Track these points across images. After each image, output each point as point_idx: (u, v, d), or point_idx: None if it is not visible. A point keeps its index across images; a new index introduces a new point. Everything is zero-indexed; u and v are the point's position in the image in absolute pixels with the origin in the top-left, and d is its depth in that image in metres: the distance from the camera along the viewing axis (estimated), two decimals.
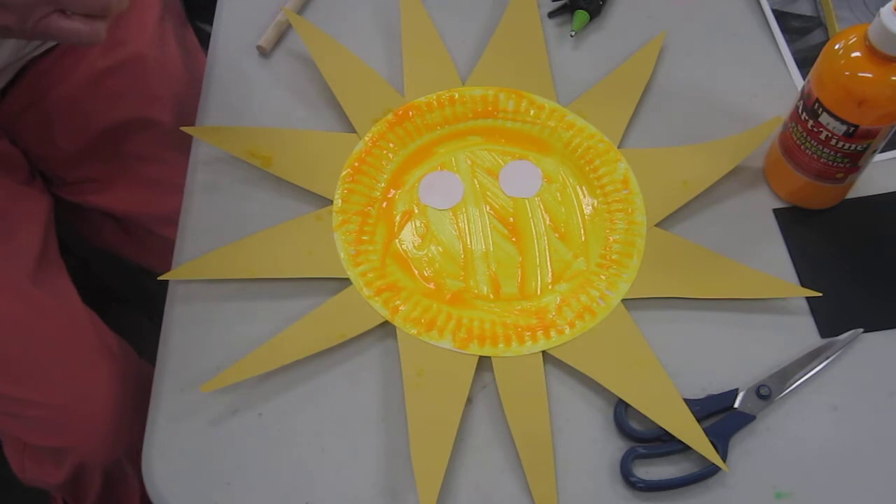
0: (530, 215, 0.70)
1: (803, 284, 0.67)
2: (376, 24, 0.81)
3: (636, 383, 0.61)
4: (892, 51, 0.57)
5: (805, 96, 0.64)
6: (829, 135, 0.63)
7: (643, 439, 0.60)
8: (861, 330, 0.64)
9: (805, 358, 0.63)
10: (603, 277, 0.67)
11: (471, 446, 0.60)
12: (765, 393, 0.61)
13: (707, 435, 0.59)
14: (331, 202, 0.70)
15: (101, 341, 0.81)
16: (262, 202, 0.70)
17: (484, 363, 0.63)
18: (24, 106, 0.83)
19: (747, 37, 0.81)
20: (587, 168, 0.72)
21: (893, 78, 0.59)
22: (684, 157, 0.72)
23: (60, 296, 0.81)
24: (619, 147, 0.73)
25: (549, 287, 0.66)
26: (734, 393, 0.61)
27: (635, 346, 0.63)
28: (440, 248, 0.68)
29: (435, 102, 0.75)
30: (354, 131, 0.73)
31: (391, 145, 0.73)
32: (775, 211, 0.71)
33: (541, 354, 0.63)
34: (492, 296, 0.66)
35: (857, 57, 0.59)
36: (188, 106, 0.75)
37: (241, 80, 0.78)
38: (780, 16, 0.82)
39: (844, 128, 0.62)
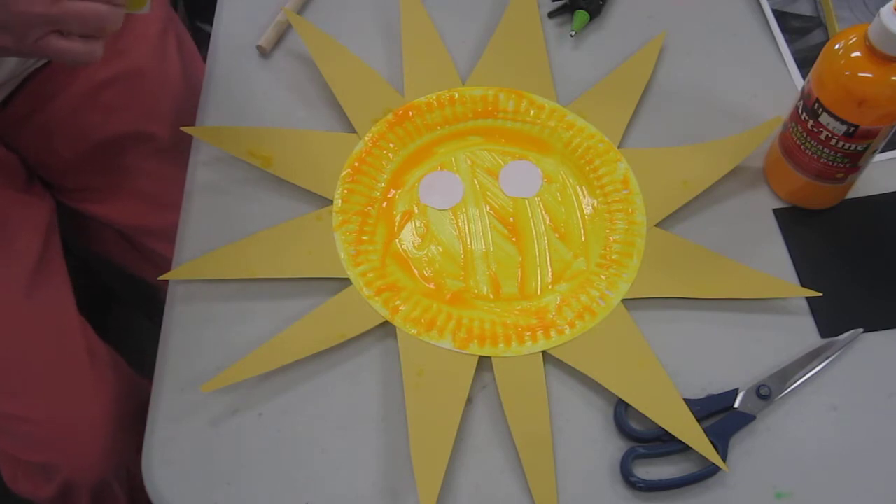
0: (530, 215, 0.70)
1: (803, 284, 0.67)
2: (376, 24, 0.81)
3: (636, 383, 0.61)
4: (892, 51, 0.57)
5: (805, 96, 0.64)
6: (829, 135, 0.63)
7: (643, 439, 0.60)
8: (861, 330, 0.64)
9: (805, 358, 0.63)
10: (603, 277, 0.67)
11: (471, 446, 0.60)
12: (765, 393, 0.61)
13: (707, 435, 0.59)
14: (331, 202, 0.70)
15: (93, 358, 0.80)
16: (262, 202, 0.70)
17: (484, 363, 0.63)
18: (24, 115, 0.82)
19: (747, 37, 0.81)
20: (587, 168, 0.72)
21: (893, 78, 0.59)
22: (684, 157, 0.72)
23: (55, 308, 0.80)
24: (619, 147, 0.73)
25: (549, 287, 0.66)
26: (734, 393, 0.61)
27: (635, 346, 0.63)
28: (440, 248, 0.68)
29: (435, 102, 0.75)
30: (354, 131, 0.73)
31: (391, 145, 0.73)
32: (775, 211, 0.71)
33: (541, 354, 0.63)
34: (492, 296, 0.66)
35: (857, 57, 0.59)
36: (186, 121, 0.75)
37: (241, 80, 0.78)
38: (780, 16, 0.82)
39: (844, 128, 0.62)
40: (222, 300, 0.66)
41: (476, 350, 0.63)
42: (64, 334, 0.79)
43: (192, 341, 0.65)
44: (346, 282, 0.66)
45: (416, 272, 0.67)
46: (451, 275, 0.67)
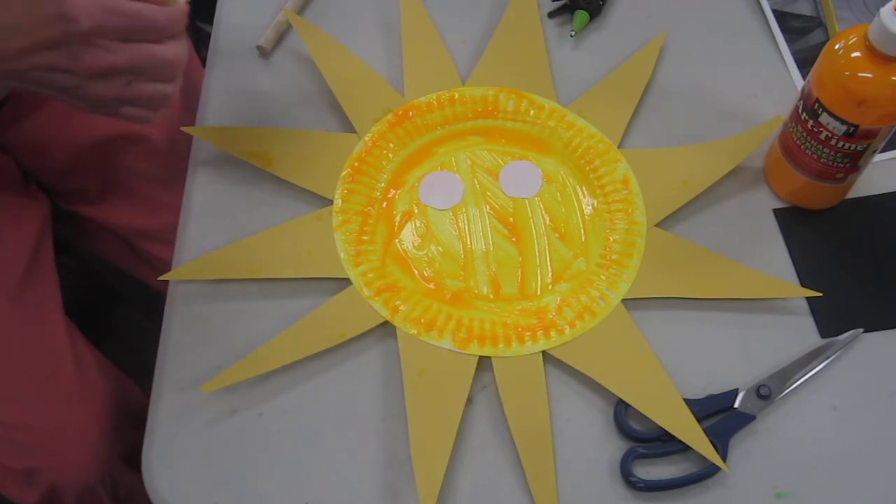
0: (530, 215, 0.70)
1: (803, 284, 0.67)
2: (376, 24, 0.81)
3: (636, 383, 0.61)
4: (892, 51, 0.57)
5: (805, 96, 0.64)
6: (829, 135, 0.63)
7: (643, 439, 0.60)
8: (861, 330, 0.64)
9: (805, 358, 0.63)
10: (603, 277, 0.67)
11: (471, 446, 0.60)
12: (765, 393, 0.61)
13: (707, 435, 0.59)
14: (331, 202, 0.70)
15: (78, 364, 0.79)
16: (262, 202, 0.70)
17: (484, 363, 0.63)
18: (17, 117, 0.82)
19: (747, 37, 0.81)
20: (587, 168, 0.72)
21: (893, 78, 0.59)
22: (684, 157, 0.72)
23: (42, 313, 0.79)
24: (619, 147, 0.73)
25: (549, 287, 0.66)
26: (734, 393, 0.61)
27: (635, 346, 0.63)
28: (440, 248, 0.68)
29: (435, 102, 0.75)
30: (354, 131, 0.73)
31: (391, 145, 0.73)
32: (775, 211, 0.71)
33: (541, 354, 0.63)
34: (492, 296, 0.66)
35: (857, 57, 0.59)
36: (182, 121, 0.75)
37: (241, 80, 0.78)
38: (780, 16, 0.82)
39: (844, 128, 0.62)
40: (222, 300, 0.66)
41: (476, 350, 0.63)
42: (49, 339, 0.78)
43: (192, 341, 0.65)
44: (346, 282, 0.66)
45: (416, 272, 0.67)
46: (451, 275, 0.67)
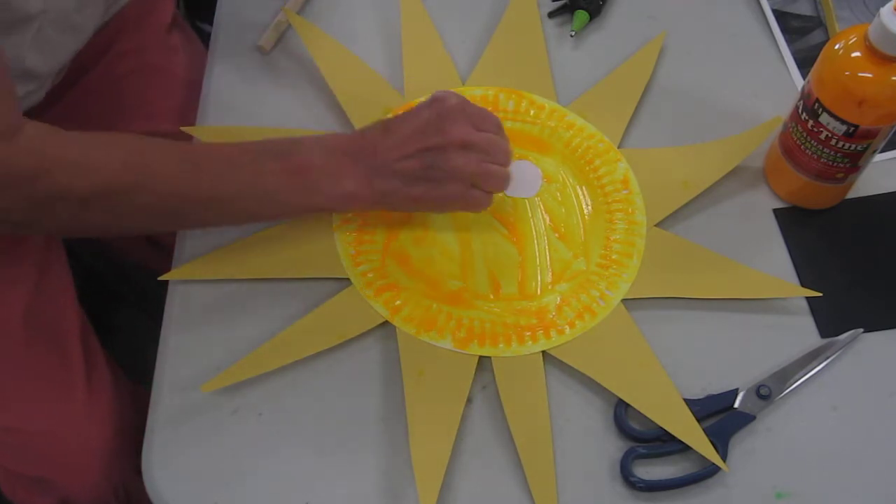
0: (530, 215, 0.70)
1: (803, 284, 0.67)
2: (376, 24, 0.81)
3: (636, 383, 0.61)
4: (892, 51, 0.57)
5: (805, 96, 0.64)
6: (829, 135, 0.63)
7: (643, 439, 0.60)
8: (861, 330, 0.64)
9: (805, 358, 0.63)
10: (603, 277, 0.67)
11: (471, 446, 0.60)
12: (765, 393, 0.61)
13: (707, 435, 0.59)
14: None
15: (91, 374, 0.78)
16: None
17: (484, 363, 0.63)
18: (28, 113, 0.82)
19: (747, 37, 0.81)
20: (587, 168, 0.72)
21: (893, 78, 0.59)
22: (684, 157, 0.72)
23: (56, 319, 0.79)
24: (619, 147, 0.73)
25: (549, 287, 0.66)
26: (734, 393, 0.61)
27: (635, 346, 0.63)
28: (440, 248, 0.68)
29: None
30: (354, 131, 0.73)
31: None
32: (775, 211, 0.71)
33: (541, 354, 0.63)
34: (491, 296, 0.66)
35: (857, 57, 0.59)
36: (191, 119, 0.75)
37: (241, 80, 0.78)
38: (780, 16, 0.82)
39: (844, 128, 0.62)
40: (222, 300, 0.66)
41: (476, 350, 0.63)
42: (63, 347, 0.78)
43: (192, 341, 0.65)
44: (346, 282, 0.66)
45: (416, 272, 0.67)
46: (451, 275, 0.67)
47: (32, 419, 0.77)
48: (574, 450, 0.60)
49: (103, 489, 0.81)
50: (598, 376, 0.62)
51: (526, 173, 0.71)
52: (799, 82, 0.78)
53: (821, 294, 0.65)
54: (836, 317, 0.65)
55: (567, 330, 0.64)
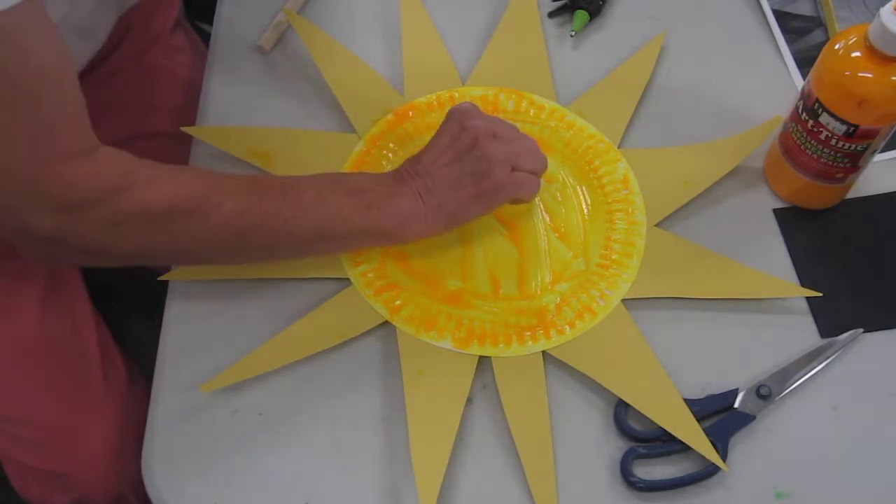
0: (530, 215, 0.70)
1: (803, 284, 0.67)
2: (376, 24, 0.81)
3: (636, 383, 0.61)
4: (892, 51, 0.57)
5: (805, 96, 0.64)
6: (829, 135, 0.63)
7: (643, 439, 0.60)
8: (861, 330, 0.64)
9: (805, 358, 0.63)
10: (603, 277, 0.67)
11: (471, 446, 0.60)
12: (765, 393, 0.61)
13: (707, 435, 0.59)
14: None
15: (107, 368, 0.79)
16: None
17: (484, 363, 0.63)
18: None
19: (747, 37, 0.81)
20: (587, 168, 0.72)
21: (893, 78, 0.59)
22: (684, 157, 0.72)
23: (70, 315, 0.79)
24: (619, 147, 0.73)
25: (549, 287, 0.66)
26: (734, 393, 0.61)
27: (635, 346, 0.63)
28: (440, 249, 0.68)
29: (435, 102, 0.75)
30: (354, 131, 0.73)
31: (391, 145, 0.72)
32: (775, 211, 0.71)
33: (541, 354, 0.63)
34: (492, 296, 0.66)
35: (857, 57, 0.59)
36: (191, 119, 0.75)
37: (241, 80, 0.78)
38: (780, 16, 0.82)
39: (844, 128, 0.62)
40: (222, 300, 0.66)
41: (476, 350, 0.63)
42: (78, 343, 0.78)
43: (192, 341, 0.65)
44: (346, 282, 0.66)
45: (416, 272, 0.67)
46: (451, 275, 0.67)
47: (49, 412, 0.77)
48: (574, 450, 0.60)
49: (120, 486, 0.81)
50: (598, 376, 0.62)
51: None
52: (799, 82, 0.78)
53: (821, 294, 0.65)
54: (836, 317, 0.65)
55: (567, 330, 0.64)
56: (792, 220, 0.70)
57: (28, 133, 0.50)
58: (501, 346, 0.63)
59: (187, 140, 0.74)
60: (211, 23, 0.83)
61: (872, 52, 0.58)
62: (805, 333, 0.65)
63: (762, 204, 0.71)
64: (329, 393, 0.62)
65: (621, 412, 0.61)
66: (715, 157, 0.71)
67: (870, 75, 0.59)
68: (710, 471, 0.58)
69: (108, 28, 0.76)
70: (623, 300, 0.65)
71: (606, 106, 0.75)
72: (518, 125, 0.73)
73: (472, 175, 0.63)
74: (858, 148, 0.63)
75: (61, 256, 0.56)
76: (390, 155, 0.72)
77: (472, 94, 0.75)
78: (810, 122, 0.64)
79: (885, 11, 0.56)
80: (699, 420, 0.60)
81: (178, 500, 0.59)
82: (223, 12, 0.83)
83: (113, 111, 0.86)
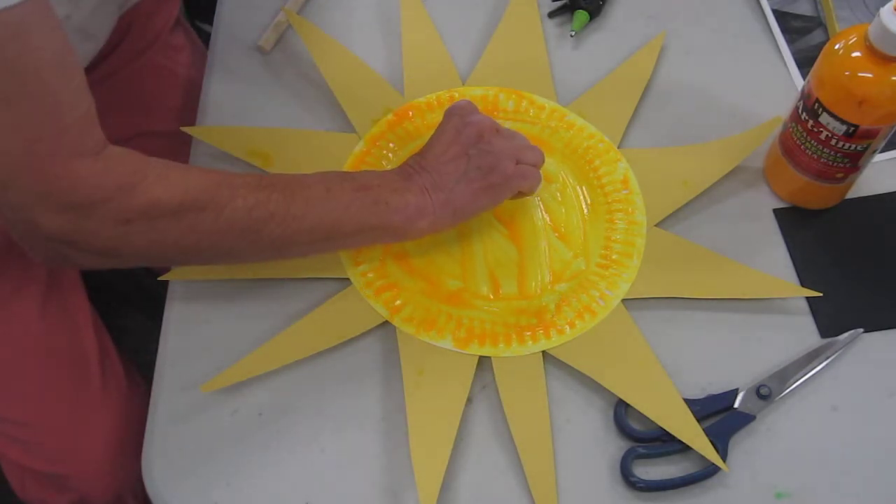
0: (530, 215, 0.70)
1: (803, 284, 0.67)
2: (376, 24, 0.81)
3: (636, 383, 0.61)
4: (892, 51, 0.57)
5: (805, 96, 0.64)
6: (829, 135, 0.63)
7: (643, 439, 0.60)
8: (861, 330, 0.64)
9: (805, 358, 0.63)
10: (603, 277, 0.67)
11: (471, 446, 0.60)
12: (765, 393, 0.61)
13: (707, 435, 0.59)
14: None
15: (105, 369, 0.79)
16: None
17: (484, 363, 0.63)
18: None
19: (747, 37, 0.81)
20: (587, 168, 0.72)
21: (893, 78, 0.59)
22: (684, 157, 0.72)
23: (69, 316, 0.79)
24: (619, 147, 0.73)
25: (549, 287, 0.66)
26: (734, 393, 0.61)
27: (635, 346, 0.63)
28: (440, 248, 0.68)
29: (435, 102, 0.75)
30: (354, 131, 0.73)
31: (391, 145, 0.73)
32: (775, 211, 0.71)
33: (541, 354, 0.63)
34: (491, 296, 0.66)
35: (857, 57, 0.59)
36: (191, 119, 0.75)
37: (241, 80, 0.78)
38: (780, 16, 0.82)
39: (844, 128, 0.62)
40: (222, 300, 0.66)
41: (476, 350, 0.63)
42: (77, 344, 0.78)
43: (192, 341, 0.65)
44: (346, 282, 0.66)
45: (416, 272, 0.67)
46: (451, 275, 0.67)
47: (47, 414, 0.77)
48: (574, 450, 0.60)
49: (118, 487, 0.81)
50: (598, 376, 0.62)
51: None
52: (799, 82, 0.78)
53: (821, 294, 0.65)
54: (836, 317, 0.65)
55: (567, 330, 0.64)
56: (792, 220, 0.70)
57: (36, 130, 0.50)
58: (501, 346, 0.63)
59: (187, 140, 0.74)
60: (211, 23, 0.83)
61: (872, 52, 0.58)
62: (805, 333, 0.65)
63: (762, 204, 0.71)
64: (329, 393, 0.62)
65: (621, 412, 0.61)
66: (715, 157, 0.71)
67: (870, 75, 0.59)
68: (710, 471, 0.58)
69: (109, 28, 0.76)
70: (623, 300, 0.65)
71: (606, 106, 0.75)
72: (518, 125, 0.74)
73: (480, 169, 0.63)
74: (858, 148, 0.63)
75: (71, 258, 0.56)
76: (390, 155, 0.72)
77: (472, 94, 0.75)
78: (810, 122, 0.64)
79: (885, 11, 0.56)
80: (699, 420, 0.60)
81: (178, 500, 0.59)
82: (223, 12, 0.83)
83: (113, 111, 0.86)
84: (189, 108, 0.78)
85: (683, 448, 0.59)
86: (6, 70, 0.48)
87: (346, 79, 0.75)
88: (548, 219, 0.70)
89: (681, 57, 0.79)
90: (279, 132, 0.73)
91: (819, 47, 0.66)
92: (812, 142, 0.65)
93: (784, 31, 0.81)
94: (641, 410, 0.60)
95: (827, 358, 0.63)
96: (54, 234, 0.53)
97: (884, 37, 0.57)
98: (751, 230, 0.70)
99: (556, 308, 0.65)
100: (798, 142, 0.66)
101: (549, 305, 0.65)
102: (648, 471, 0.59)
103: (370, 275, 0.66)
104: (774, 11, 0.82)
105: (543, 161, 0.67)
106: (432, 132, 0.73)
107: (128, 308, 1.13)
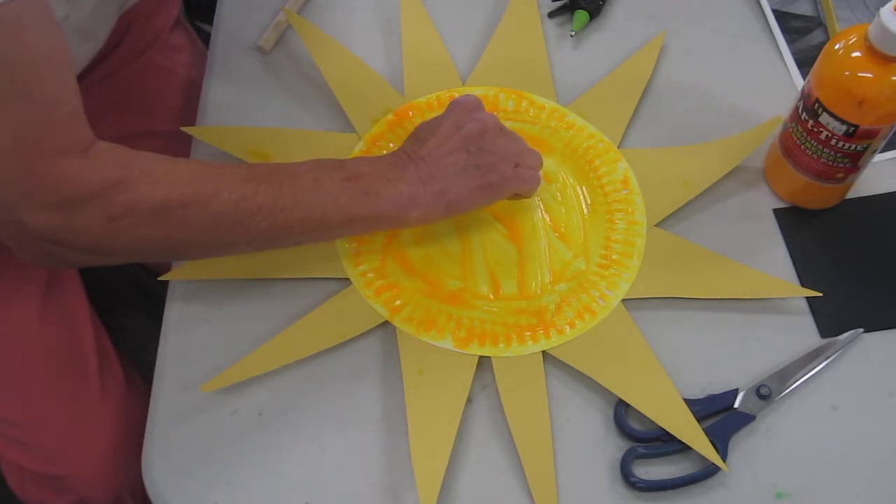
0: (530, 215, 0.70)
1: (803, 284, 0.67)
2: (376, 24, 0.81)
3: (636, 383, 0.61)
4: (892, 51, 0.57)
5: (805, 96, 0.64)
6: (829, 135, 0.63)
7: (643, 439, 0.60)
8: (861, 330, 0.64)
9: (805, 358, 0.63)
10: (603, 277, 0.67)
11: (471, 446, 0.60)
12: (765, 393, 0.61)
13: (707, 435, 0.59)
14: None
15: (104, 371, 0.79)
16: None
17: (484, 363, 0.63)
18: None
19: (747, 37, 0.81)
20: (587, 168, 0.72)
21: (893, 78, 0.59)
22: (684, 157, 0.72)
23: (68, 318, 0.79)
24: (619, 147, 0.73)
25: (549, 287, 0.66)
26: (734, 393, 0.61)
27: (635, 346, 0.63)
28: (440, 248, 0.68)
29: (435, 102, 0.75)
30: (354, 131, 0.73)
31: (391, 145, 0.72)
32: (775, 211, 0.71)
33: (541, 354, 0.63)
34: (491, 296, 0.66)
35: (857, 57, 0.59)
36: (191, 119, 0.75)
37: (241, 80, 0.78)
38: (780, 16, 0.82)
39: (844, 128, 0.62)
40: (222, 300, 0.66)
41: (476, 350, 0.63)
42: (76, 346, 0.78)
43: (192, 341, 0.65)
44: (346, 282, 0.66)
45: (416, 272, 0.67)
46: (451, 275, 0.67)
47: (46, 415, 0.77)
48: (574, 450, 0.60)
49: (118, 488, 0.81)
50: (598, 376, 0.62)
51: None
52: (799, 82, 0.78)
53: (821, 294, 0.65)
54: (836, 317, 0.65)
55: (567, 330, 0.64)
56: (792, 220, 0.70)
57: (24, 128, 0.50)
58: (501, 346, 0.63)
59: (187, 140, 0.74)
60: (211, 23, 0.83)
61: (872, 52, 0.58)
62: (805, 333, 0.65)
63: (762, 204, 0.71)
64: (329, 393, 0.62)
65: (621, 412, 0.61)
66: (715, 157, 0.71)
67: (870, 75, 0.59)
68: (710, 471, 0.58)
69: (109, 28, 0.76)
70: (623, 300, 0.65)
71: (606, 106, 0.75)
72: (518, 125, 0.74)
73: (479, 167, 0.63)
74: (858, 148, 0.63)
75: (59, 257, 0.56)
76: None
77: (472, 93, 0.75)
78: (810, 122, 0.64)
79: (885, 11, 0.56)
80: (699, 420, 0.60)
81: (178, 500, 0.59)
82: (223, 12, 0.83)
83: (113, 111, 0.86)
84: (189, 108, 0.78)
85: (683, 448, 0.59)
86: (0, 66, 0.48)
87: (346, 79, 0.75)
88: (548, 219, 0.70)
89: (681, 57, 0.79)
90: (279, 132, 0.73)
91: (819, 47, 0.66)
92: (812, 142, 0.65)
93: (784, 31, 0.81)
94: (641, 410, 0.60)
95: (827, 358, 0.63)
96: (42, 233, 0.53)
97: (884, 37, 0.57)
98: (751, 230, 0.70)
99: (556, 308, 0.65)
100: (798, 142, 0.66)
101: (549, 305, 0.65)
102: (648, 471, 0.59)
103: (370, 275, 0.66)
104: (774, 11, 0.82)
105: (542, 165, 0.67)
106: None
107: (128, 308, 1.13)
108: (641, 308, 0.65)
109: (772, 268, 0.67)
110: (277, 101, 0.76)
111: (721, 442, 0.59)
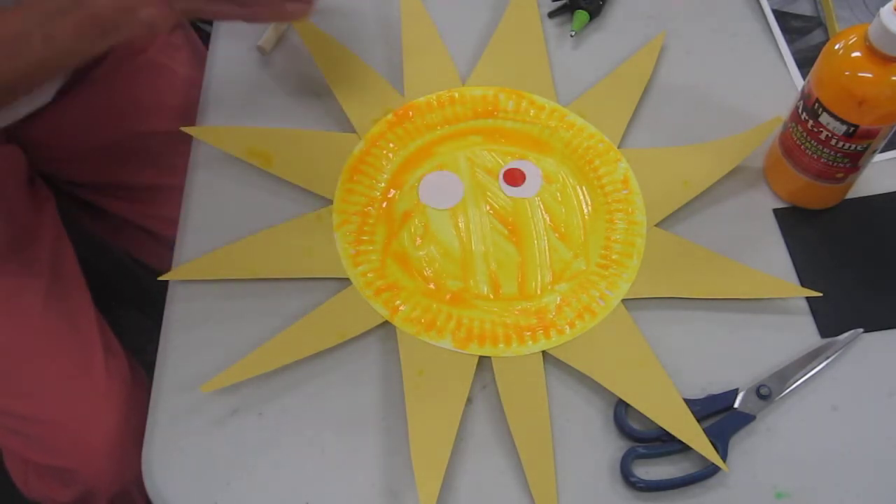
0: (530, 215, 0.70)
1: (803, 284, 0.67)
2: (376, 24, 0.81)
3: (636, 383, 0.61)
4: (892, 51, 0.57)
5: (805, 96, 0.64)
6: (829, 135, 0.63)
7: (643, 439, 0.60)
8: (861, 330, 0.64)
9: (805, 358, 0.63)
10: (603, 277, 0.67)
11: (471, 446, 0.60)
12: (765, 393, 0.61)
13: (707, 435, 0.59)
14: (331, 202, 0.70)
15: (109, 364, 0.79)
16: (262, 202, 0.70)
17: (484, 363, 0.63)
18: (36, 111, 0.82)
19: (747, 37, 0.81)
20: (587, 168, 0.72)
21: (893, 78, 0.59)
22: (684, 157, 0.72)
23: (73, 311, 0.79)
24: (619, 147, 0.73)
25: (549, 287, 0.66)
26: (734, 393, 0.61)
27: (635, 346, 0.63)
28: (440, 248, 0.68)
29: (435, 102, 0.75)
30: (354, 131, 0.73)
31: (391, 145, 0.73)
32: (775, 211, 0.71)
33: (541, 354, 0.63)
34: (492, 296, 0.66)
35: (857, 57, 0.59)
36: (191, 118, 0.75)
37: (241, 80, 0.78)
38: (780, 16, 0.82)
39: (844, 128, 0.62)
40: (222, 300, 0.66)
41: (476, 350, 0.63)
42: (81, 338, 0.79)
43: (192, 341, 0.65)
44: (346, 282, 0.66)
45: (416, 272, 0.67)
46: (451, 275, 0.67)
47: (52, 407, 0.77)
48: (574, 450, 0.60)
49: (124, 480, 0.81)
50: (598, 376, 0.62)
51: (526, 173, 0.71)
52: (799, 82, 0.78)
53: (821, 294, 0.65)
54: (836, 317, 0.65)
55: (567, 330, 0.64)
56: (792, 220, 0.70)
57: None
58: (501, 346, 0.63)
59: (187, 140, 0.74)
60: (211, 23, 0.83)
61: (872, 52, 0.58)
62: (805, 333, 0.65)
63: (762, 204, 0.71)
64: (329, 393, 0.62)
65: (621, 412, 0.61)
66: (715, 157, 0.71)
67: (870, 75, 0.59)
68: (710, 471, 0.59)
69: None
70: (623, 300, 0.65)
71: (606, 106, 0.75)
72: (518, 125, 0.74)
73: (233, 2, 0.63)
74: (858, 148, 0.63)
75: None
76: (390, 155, 0.72)
77: (472, 93, 0.75)
78: (810, 122, 0.64)
79: (885, 11, 0.56)
80: (699, 420, 0.60)
81: (178, 500, 0.59)
82: None
83: (113, 110, 0.86)
84: (189, 107, 0.78)
85: (683, 448, 0.59)
86: None
87: (346, 79, 0.75)
88: (548, 219, 0.70)
89: (681, 57, 0.79)
90: (279, 132, 0.73)
91: (819, 47, 0.66)
92: (812, 142, 0.65)
93: (784, 31, 0.81)
94: (641, 410, 0.60)
95: (827, 358, 0.63)
96: None
97: (884, 37, 0.57)
98: (751, 230, 0.70)
99: (556, 308, 0.65)
100: (798, 142, 0.66)
101: (549, 305, 0.65)
102: (648, 471, 0.59)
103: (370, 275, 0.66)
104: (774, 11, 0.82)
105: None
106: (432, 132, 0.74)
107: (128, 308, 1.13)
108: (641, 308, 0.65)
109: (772, 268, 0.67)
110: (277, 101, 0.76)
111: (721, 442, 0.59)
